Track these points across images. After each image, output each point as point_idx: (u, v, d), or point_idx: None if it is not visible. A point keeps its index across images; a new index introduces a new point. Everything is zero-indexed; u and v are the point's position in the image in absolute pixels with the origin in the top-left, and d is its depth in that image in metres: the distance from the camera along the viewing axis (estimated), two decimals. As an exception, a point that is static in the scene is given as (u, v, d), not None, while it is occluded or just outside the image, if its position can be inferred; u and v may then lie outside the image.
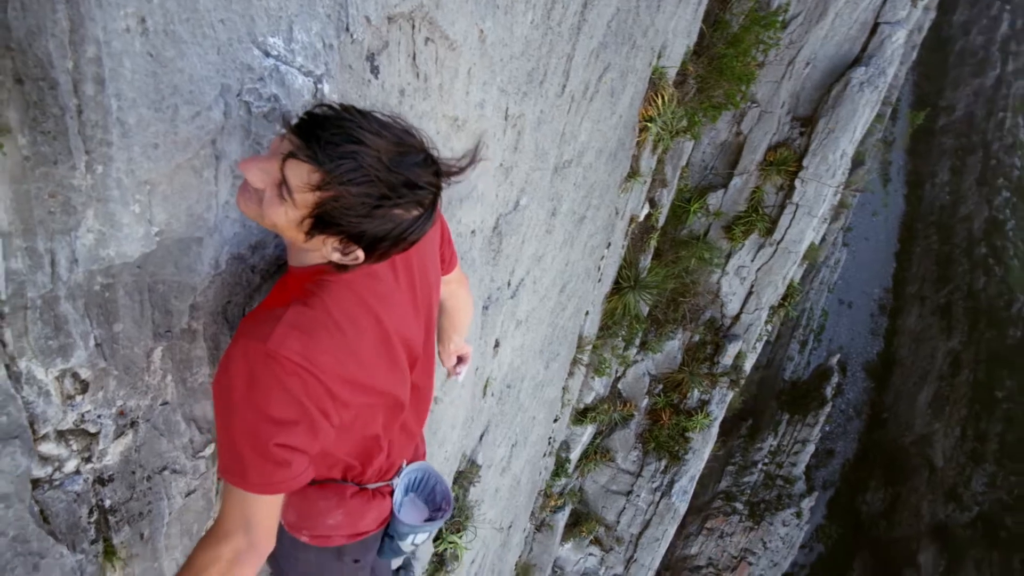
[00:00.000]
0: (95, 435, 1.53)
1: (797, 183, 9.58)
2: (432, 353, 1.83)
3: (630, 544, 13.80)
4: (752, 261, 10.79)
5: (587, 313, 7.75)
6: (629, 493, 13.20)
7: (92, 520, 1.64)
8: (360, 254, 1.34)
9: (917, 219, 47.75)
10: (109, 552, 1.73)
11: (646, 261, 9.53)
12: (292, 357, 1.33)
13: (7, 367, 1.25)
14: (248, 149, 1.43)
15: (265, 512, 1.42)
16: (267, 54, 1.39)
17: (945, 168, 47.49)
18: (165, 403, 1.66)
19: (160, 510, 1.80)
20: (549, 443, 8.71)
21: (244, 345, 1.34)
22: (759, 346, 12.72)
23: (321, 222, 1.28)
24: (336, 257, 1.36)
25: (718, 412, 12.20)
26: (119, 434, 1.58)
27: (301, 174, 1.25)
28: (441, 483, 2.01)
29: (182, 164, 1.28)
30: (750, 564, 34.28)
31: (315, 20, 1.50)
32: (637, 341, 10.69)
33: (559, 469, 11.14)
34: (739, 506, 33.48)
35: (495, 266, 3.59)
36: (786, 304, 12.53)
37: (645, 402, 12.24)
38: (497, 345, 4.22)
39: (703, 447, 12.60)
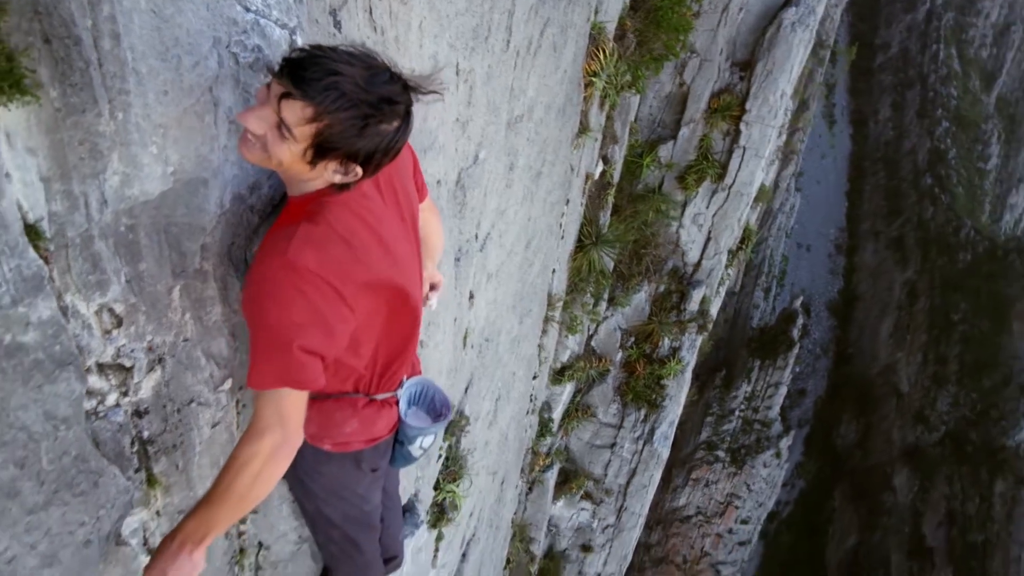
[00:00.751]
0: (130, 369, 1.72)
1: (742, 127, 9.91)
2: (420, 269, 2.04)
3: (619, 494, 14.22)
4: (707, 208, 11.13)
5: (554, 271, 8.00)
6: (613, 445, 13.57)
7: (134, 450, 1.84)
8: (359, 170, 1.55)
9: (864, 157, 48.87)
10: (152, 480, 1.93)
11: (606, 217, 9.80)
12: (309, 266, 1.54)
13: (57, 300, 1.44)
14: (239, 96, 1.62)
15: (294, 408, 1.63)
16: (247, 9, 1.57)
17: (886, 104, 48.61)
18: (186, 339, 1.85)
19: (191, 440, 2.00)
20: (531, 400, 8.99)
21: (266, 261, 1.54)
22: (722, 290, 13.12)
23: (321, 149, 1.49)
24: (338, 178, 1.57)
25: (689, 357, 12.59)
26: (150, 368, 1.77)
27: (296, 111, 1.45)
28: (439, 393, 2.24)
29: (188, 109, 1.47)
30: (736, 508, 35.41)
31: (284, -22, 1.69)
32: (605, 296, 10.99)
33: (543, 429, 11.45)
34: (721, 454, 34.49)
35: (462, 219, 3.80)
36: (744, 247, 12.93)
37: (619, 356, 12.58)
38: (472, 297, 4.43)
39: (679, 392, 13.00)
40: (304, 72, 1.43)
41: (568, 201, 7.36)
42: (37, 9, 1.21)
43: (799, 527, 42.76)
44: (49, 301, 1.40)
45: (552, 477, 12.68)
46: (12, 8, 1.18)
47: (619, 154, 9.31)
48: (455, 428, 4.96)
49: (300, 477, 2.17)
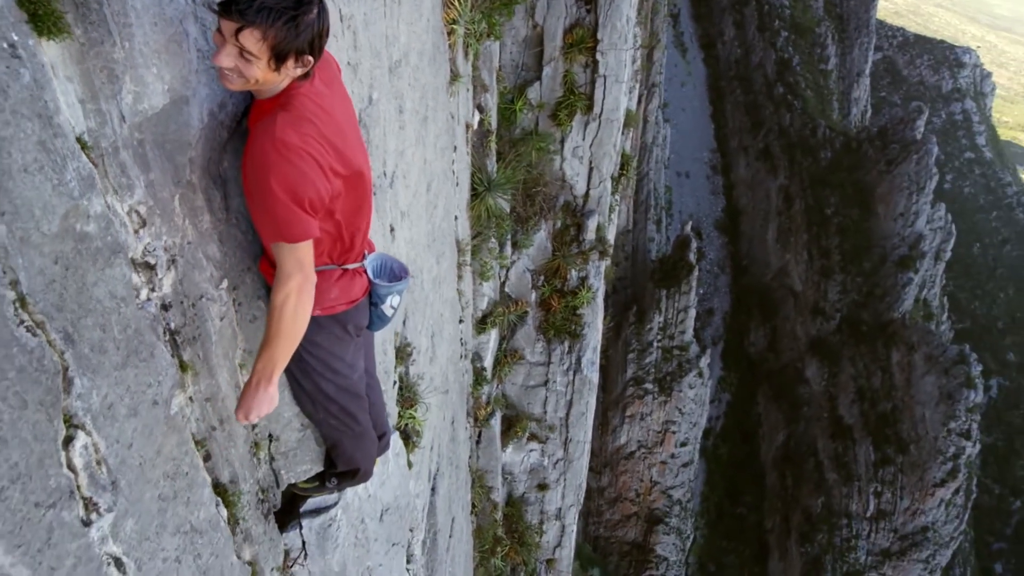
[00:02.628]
0: (154, 267, 2.16)
1: (598, 56, 10.66)
2: (365, 149, 2.54)
3: (562, 427, 15.03)
4: (583, 139, 11.88)
5: (456, 218, 8.54)
6: (546, 382, 14.33)
7: (167, 340, 2.27)
8: (310, 58, 2.04)
9: (719, 78, 51.44)
10: (183, 366, 2.37)
11: (492, 164, 10.38)
12: (294, 141, 2.03)
13: (104, 198, 1.87)
14: (199, 30, 2.07)
15: (307, 254, 2.15)
16: (194, -41, 2.02)
17: (729, 24, 51.21)
18: (189, 242, 2.29)
19: (207, 331, 2.44)
20: (462, 344, 9.55)
21: (258, 144, 2.02)
22: (614, 216, 13.99)
23: (279, 56, 1.99)
24: (299, 71, 2.06)
25: (598, 283, 13.44)
26: (168, 267, 2.21)
27: (249, 38, 1.94)
28: (396, 262, 2.76)
29: (171, 37, 1.92)
30: (673, 433, 37.39)
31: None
32: (508, 240, 11.62)
33: (478, 379, 12.05)
34: (649, 386, 36.24)
35: (371, 156, 4.28)
36: (625, 172, 13.84)
37: (533, 296, 13.28)
38: (392, 231, 4.93)
39: (595, 319, 13.86)
40: (238, 5, 1.91)
41: (456, 148, 7.89)
42: (58, -33, 1.64)
43: (733, 436, 45.55)
44: (100, 198, 1.84)
45: (497, 424, 13.33)
46: (42, -33, 1.61)
47: (492, 102, 9.89)
48: (403, 355, 5.46)
49: (299, 353, 2.64)
